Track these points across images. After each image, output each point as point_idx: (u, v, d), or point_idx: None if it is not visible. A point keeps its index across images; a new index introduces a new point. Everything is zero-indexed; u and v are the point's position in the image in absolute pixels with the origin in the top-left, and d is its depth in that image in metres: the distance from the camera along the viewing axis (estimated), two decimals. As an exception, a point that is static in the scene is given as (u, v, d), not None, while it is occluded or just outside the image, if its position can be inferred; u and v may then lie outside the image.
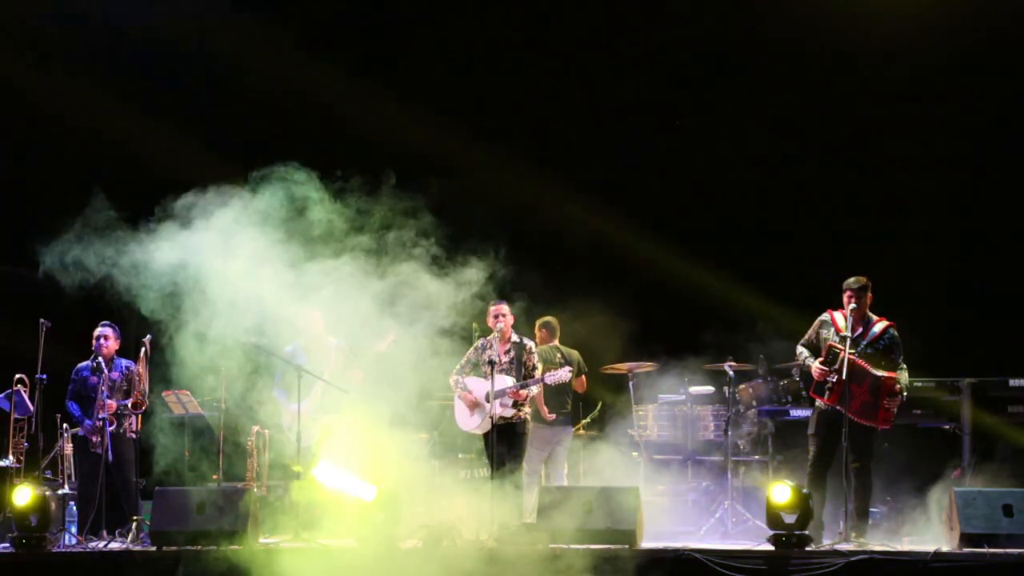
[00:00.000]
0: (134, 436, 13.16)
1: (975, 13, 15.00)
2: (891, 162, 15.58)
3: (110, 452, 12.79)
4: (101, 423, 12.87)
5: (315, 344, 13.62)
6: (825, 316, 12.37)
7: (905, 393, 12.21)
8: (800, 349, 12.47)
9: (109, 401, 12.97)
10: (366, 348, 13.50)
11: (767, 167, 15.66)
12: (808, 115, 15.57)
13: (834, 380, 12.03)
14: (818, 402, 12.30)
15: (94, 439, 12.96)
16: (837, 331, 12.19)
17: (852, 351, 12.02)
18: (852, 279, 12.23)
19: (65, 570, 11.89)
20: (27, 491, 12.11)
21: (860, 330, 12.23)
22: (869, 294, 12.21)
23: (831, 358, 12.08)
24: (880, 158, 15.62)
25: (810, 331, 12.45)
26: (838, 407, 12.04)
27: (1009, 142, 15.32)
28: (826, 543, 11.85)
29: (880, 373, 12.03)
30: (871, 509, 12.79)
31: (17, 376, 13.58)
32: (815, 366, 12.18)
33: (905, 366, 12.23)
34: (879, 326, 12.26)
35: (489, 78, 16.00)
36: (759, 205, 15.67)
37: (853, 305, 12.16)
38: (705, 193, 15.53)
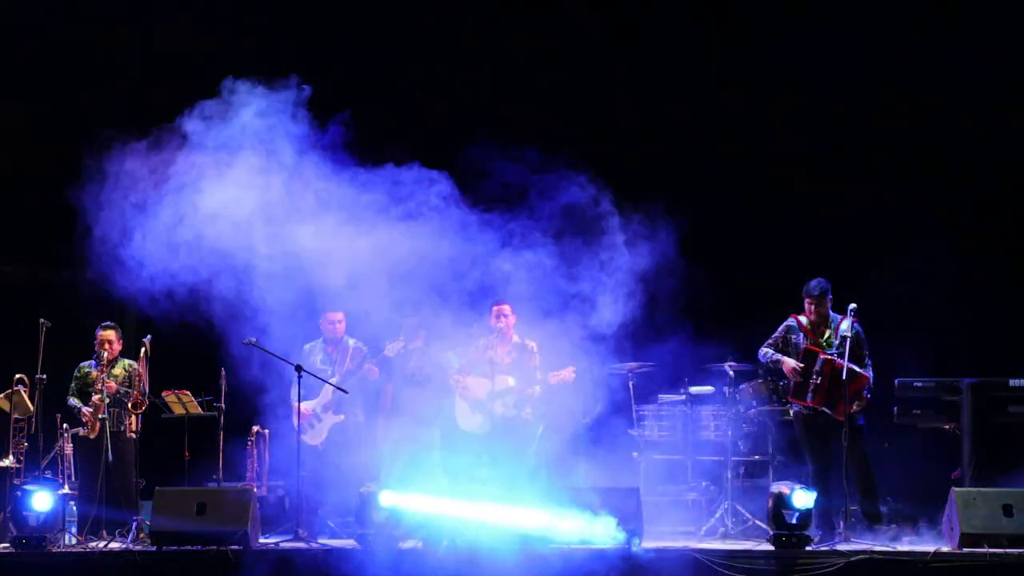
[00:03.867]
0: (134, 436, 13.19)
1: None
2: (892, 161, 15.58)
3: (110, 452, 12.81)
4: (102, 403, 12.92)
5: (334, 344, 13.64)
6: (791, 321, 12.54)
7: (868, 395, 12.30)
8: (765, 350, 12.58)
9: (109, 382, 13.03)
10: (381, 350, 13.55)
11: (765, 166, 15.64)
12: (810, 109, 15.55)
13: (817, 382, 12.15)
14: (796, 408, 12.42)
15: (88, 418, 13.01)
16: (806, 334, 12.33)
17: (829, 353, 12.15)
18: (813, 285, 12.36)
19: (65, 570, 11.88)
20: (46, 496, 12.12)
21: (827, 332, 12.34)
22: (829, 296, 12.34)
23: (809, 361, 12.20)
24: (881, 157, 15.61)
25: (776, 334, 12.61)
26: (823, 408, 12.17)
27: (1009, 140, 15.32)
28: (824, 544, 11.85)
29: (858, 369, 12.13)
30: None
31: (17, 376, 13.58)
32: (788, 363, 12.28)
33: (870, 362, 12.34)
34: (845, 323, 12.35)
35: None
36: (758, 202, 15.66)
37: (814, 310, 12.29)
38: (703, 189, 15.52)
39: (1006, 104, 15.22)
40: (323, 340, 13.70)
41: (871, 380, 12.34)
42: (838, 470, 12.29)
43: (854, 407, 12.22)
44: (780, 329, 12.62)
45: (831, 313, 12.46)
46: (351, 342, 13.66)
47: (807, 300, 12.42)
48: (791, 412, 12.78)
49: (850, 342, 12.25)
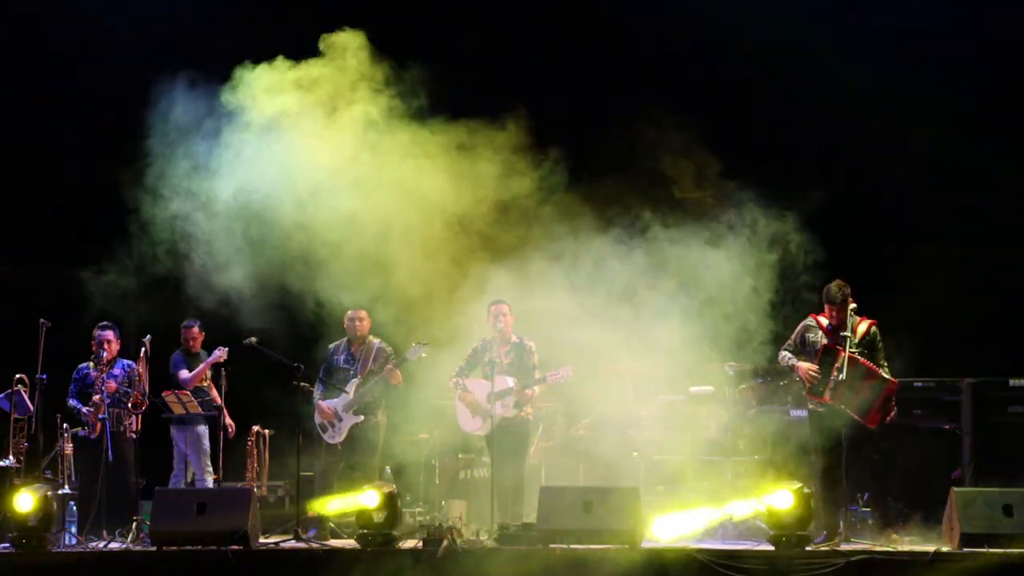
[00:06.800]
0: (134, 436, 13.20)
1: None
2: (894, 163, 15.57)
3: (110, 452, 12.83)
4: (102, 403, 12.94)
5: (358, 344, 13.63)
6: (809, 320, 12.41)
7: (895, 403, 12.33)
8: (784, 353, 12.50)
9: (109, 381, 13.05)
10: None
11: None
12: (817, 117, 15.53)
13: (838, 379, 12.05)
14: (811, 405, 12.34)
15: (89, 418, 13.02)
16: (826, 334, 12.23)
17: (852, 350, 12.08)
18: (835, 290, 12.20)
19: (65, 570, 11.88)
20: (28, 497, 12.09)
21: (845, 333, 12.23)
22: (851, 300, 12.24)
23: (829, 358, 12.10)
24: (882, 159, 15.60)
25: (794, 335, 12.51)
26: (841, 406, 12.09)
27: (1013, 141, 15.33)
28: (824, 544, 11.85)
29: (887, 376, 12.08)
30: (864, 509, 12.94)
31: (17, 376, 13.58)
32: (803, 366, 12.20)
33: (887, 364, 12.29)
34: (863, 325, 12.29)
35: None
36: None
37: (836, 315, 12.22)
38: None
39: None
40: (348, 339, 13.69)
41: (897, 387, 12.27)
42: (844, 470, 12.25)
43: (888, 419, 12.17)
44: (798, 329, 12.46)
45: (851, 314, 12.33)
46: (376, 341, 13.64)
47: (828, 306, 12.26)
48: (807, 410, 12.64)
49: (866, 344, 12.21)
